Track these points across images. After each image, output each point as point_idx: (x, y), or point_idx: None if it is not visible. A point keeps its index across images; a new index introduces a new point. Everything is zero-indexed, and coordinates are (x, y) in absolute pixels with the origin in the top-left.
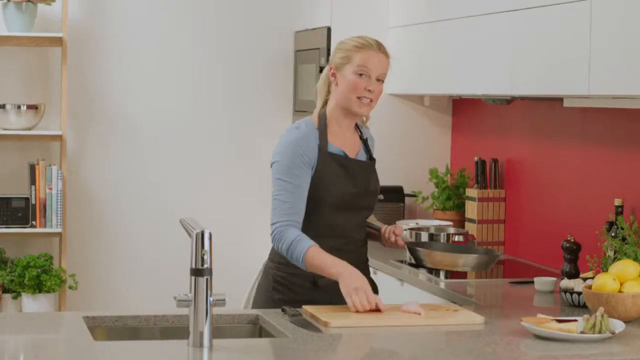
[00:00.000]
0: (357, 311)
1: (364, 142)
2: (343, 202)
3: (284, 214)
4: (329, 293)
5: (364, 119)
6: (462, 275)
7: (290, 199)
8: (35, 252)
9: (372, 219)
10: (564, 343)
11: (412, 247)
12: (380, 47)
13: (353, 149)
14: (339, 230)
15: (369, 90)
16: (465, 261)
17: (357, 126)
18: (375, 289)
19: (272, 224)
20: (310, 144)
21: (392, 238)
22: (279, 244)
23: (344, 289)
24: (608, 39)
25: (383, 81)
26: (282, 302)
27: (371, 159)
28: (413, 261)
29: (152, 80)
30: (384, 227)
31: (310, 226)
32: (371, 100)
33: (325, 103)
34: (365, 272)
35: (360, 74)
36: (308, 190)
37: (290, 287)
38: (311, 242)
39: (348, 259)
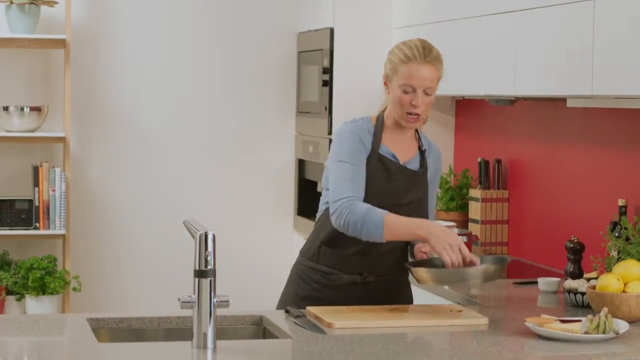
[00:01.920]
0: (452, 266)
1: (421, 152)
2: (380, 202)
3: (348, 190)
4: (341, 293)
5: (425, 121)
6: None
7: (354, 178)
8: (39, 254)
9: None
10: (568, 343)
11: (415, 267)
12: (426, 57)
13: (404, 155)
14: None
15: (414, 106)
16: (471, 274)
17: (419, 136)
18: (411, 296)
19: (336, 200)
20: (365, 136)
21: (419, 255)
22: (349, 217)
23: (437, 247)
24: (611, 39)
25: (431, 94)
26: (297, 297)
27: (422, 170)
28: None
29: (155, 82)
30: (417, 245)
31: None
32: (418, 115)
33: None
34: (405, 283)
35: (405, 91)
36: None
37: (307, 282)
38: (385, 211)
39: (375, 263)
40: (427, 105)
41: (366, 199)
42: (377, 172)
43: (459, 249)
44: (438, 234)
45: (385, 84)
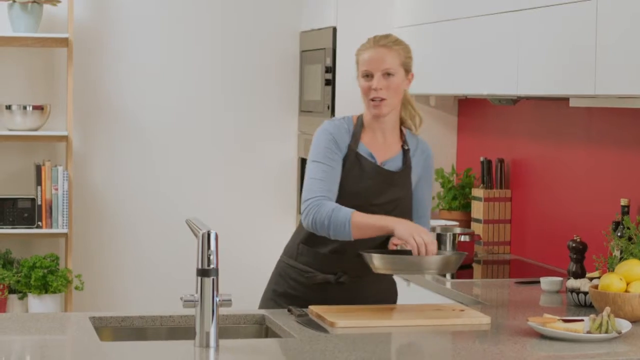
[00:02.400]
0: (419, 253)
1: (404, 152)
2: (353, 202)
3: (318, 189)
4: (317, 291)
5: (417, 123)
6: (469, 275)
7: (325, 178)
8: (42, 253)
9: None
10: (571, 343)
11: (370, 253)
12: (377, 42)
13: (384, 155)
14: None
15: (374, 90)
16: (428, 262)
17: (403, 136)
18: (395, 297)
19: (306, 200)
20: (343, 136)
21: (390, 246)
22: (317, 216)
23: (403, 234)
24: (614, 39)
25: (393, 75)
26: (275, 293)
27: (404, 170)
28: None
29: (158, 81)
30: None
31: None
32: (382, 99)
33: None
34: (389, 282)
35: (365, 76)
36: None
37: (285, 279)
38: (353, 209)
39: (350, 263)
40: (390, 89)
41: (339, 199)
42: (352, 171)
43: (424, 233)
44: (405, 223)
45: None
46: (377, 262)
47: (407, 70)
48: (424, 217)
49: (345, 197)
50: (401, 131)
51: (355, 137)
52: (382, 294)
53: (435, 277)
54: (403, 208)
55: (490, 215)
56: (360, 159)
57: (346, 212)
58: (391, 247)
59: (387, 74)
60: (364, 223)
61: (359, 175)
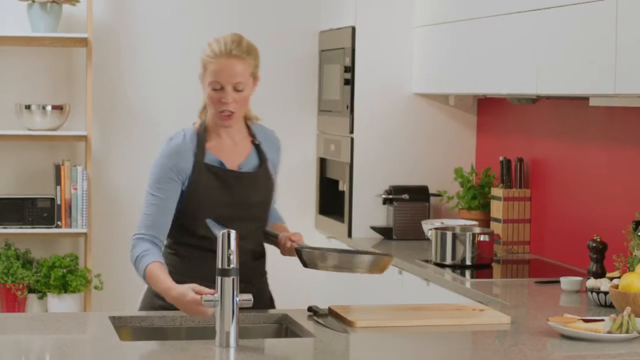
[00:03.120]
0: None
1: (256, 147)
2: (219, 214)
3: (142, 226)
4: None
5: (253, 114)
6: (488, 274)
7: (153, 213)
8: (61, 253)
9: (278, 227)
10: (591, 343)
11: (302, 249)
12: (232, 51)
13: (236, 157)
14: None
15: (224, 103)
16: (359, 261)
17: (251, 131)
18: (272, 304)
19: (133, 234)
20: (183, 156)
21: (288, 244)
22: (131, 254)
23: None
24: (634, 38)
25: (244, 89)
26: (162, 309)
27: (261, 166)
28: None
29: (177, 81)
30: (282, 234)
31: (191, 239)
32: (232, 112)
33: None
34: (261, 287)
35: (214, 89)
36: (183, 203)
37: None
38: (154, 258)
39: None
40: (240, 102)
41: (207, 212)
42: (210, 183)
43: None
44: (184, 304)
45: (201, 83)
46: (306, 257)
47: (255, 77)
48: (274, 217)
49: (213, 210)
50: (247, 125)
51: (201, 147)
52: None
53: (454, 276)
54: (269, 207)
55: (509, 215)
56: (213, 170)
57: (144, 263)
58: (290, 244)
59: (237, 88)
60: (153, 280)
61: (220, 185)
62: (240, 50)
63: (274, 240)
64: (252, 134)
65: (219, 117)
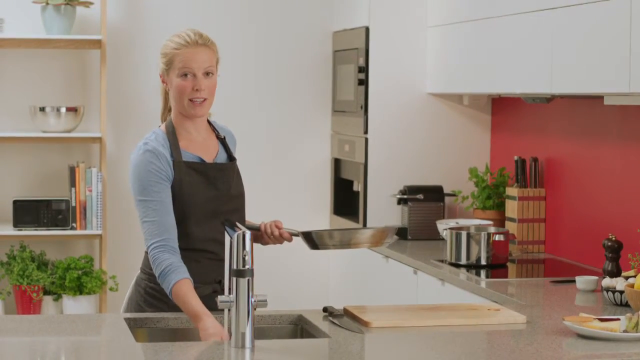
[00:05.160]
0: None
1: (222, 141)
2: (208, 209)
3: (155, 234)
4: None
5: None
6: (503, 274)
7: (157, 217)
8: (76, 254)
9: (249, 222)
10: (607, 342)
11: (311, 231)
12: (199, 40)
13: (209, 152)
14: (211, 239)
15: (197, 90)
16: (362, 237)
17: (213, 127)
18: None
19: (147, 247)
20: (162, 158)
21: (276, 232)
22: (155, 269)
23: (211, 333)
24: None
25: (213, 74)
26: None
27: (231, 159)
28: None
29: None
30: (264, 223)
31: (182, 241)
32: (205, 99)
33: (167, 110)
34: None
35: (185, 74)
36: (172, 204)
37: (163, 300)
38: (182, 276)
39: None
40: (210, 88)
41: (196, 209)
42: (191, 179)
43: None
44: (207, 329)
45: (163, 82)
46: (317, 238)
47: (216, 68)
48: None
49: (199, 206)
50: (208, 122)
51: (175, 148)
52: None
53: (469, 276)
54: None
55: (524, 214)
56: (193, 166)
57: (170, 281)
58: (277, 231)
59: (207, 74)
60: (181, 300)
61: (203, 180)
62: (204, 39)
63: (255, 232)
64: (215, 130)
65: (191, 106)
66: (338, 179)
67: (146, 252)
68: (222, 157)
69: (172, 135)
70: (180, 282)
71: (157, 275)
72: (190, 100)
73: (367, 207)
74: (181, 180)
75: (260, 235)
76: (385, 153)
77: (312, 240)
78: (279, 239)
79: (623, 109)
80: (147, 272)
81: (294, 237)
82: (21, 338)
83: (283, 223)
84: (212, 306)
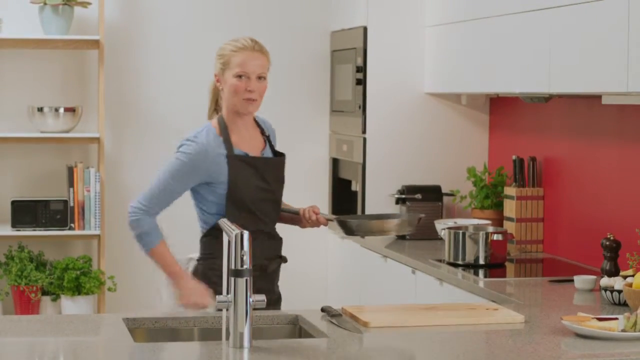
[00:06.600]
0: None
1: (267, 138)
2: (257, 198)
3: (146, 198)
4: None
5: None
6: (502, 274)
7: (162, 195)
8: (74, 255)
9: (286, 205)
10: (605, 341)
11: (343, 219)
12: (255, 46)
13: (257, 148)
14: (263, 222)
15: (250, 91)
16: (391, 225)
17: (258, 124)
18: (279, 300)
19: (134, 203)
20: (209, 155)
21: (313, 217)
22: (134, 228)
23: (181, 300)
24: None
25: (265, 78)
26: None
27: (276, 154)
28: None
29: (189, 82)
30: (303, 208)
31: (249, 223)
32: (255, 100)
33: (215, 109)
34: (273, 270)
35: (240, 76)
36: (226, 196)
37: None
38: (161, 237)
39: (277, 245)
40: (261, 90)
41: (249, 198)
42: (245, 172)
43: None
44: (189, 289)
45: (217, 81)
46: (355, 226)
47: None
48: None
49: (253, 195)
50: (255, 120)
51: (228, 142)
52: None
53: (467, 276)
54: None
55: (522, 214)
56: (243, 159)
57: (152, 239)
58: (314, 216)
59: (260, 77)
60: (162, 259)
61: (252, 172)
62: (260, 46)
63: (293, 216)
64: (261, 128)
65: (243, 104)
66: (336, 178)
67: (201, 240)
68: (268, 153)
69: (224, 131)
70: (162, 243)
71: (135, 234)
72: (243, 99)
73: (365, 206)
74: (236, 173)
75: (298, 219)
76: (383, 153)
77: (347, 226)
78: (316, 222)
79: (621, 108)
80: (207, 256)
81: (329, 222)
82: (19, 338)
83: (320, 209)
84: (274, 280)
